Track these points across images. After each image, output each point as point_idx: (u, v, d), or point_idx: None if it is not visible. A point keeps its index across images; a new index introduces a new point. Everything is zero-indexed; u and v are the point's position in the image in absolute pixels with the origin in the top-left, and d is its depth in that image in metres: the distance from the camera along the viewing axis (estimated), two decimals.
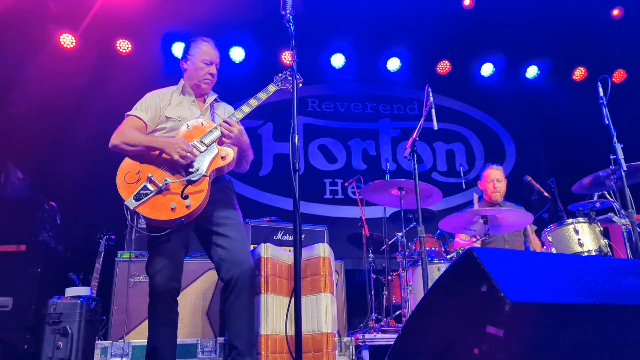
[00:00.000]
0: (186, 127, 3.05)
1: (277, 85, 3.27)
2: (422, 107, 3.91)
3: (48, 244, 5.27)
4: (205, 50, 3.25)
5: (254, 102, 3.16)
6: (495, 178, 5.20)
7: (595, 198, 4.48)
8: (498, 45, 7.52)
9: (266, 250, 3.66)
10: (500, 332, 1.42)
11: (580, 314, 1.57)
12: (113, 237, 4.89)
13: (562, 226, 4.36)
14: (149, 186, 2.81)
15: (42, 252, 5.00)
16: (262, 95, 3.20)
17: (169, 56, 6.77)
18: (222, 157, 2.98)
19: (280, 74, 3.32)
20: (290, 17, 2.82)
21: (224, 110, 3.37)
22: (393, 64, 7.67)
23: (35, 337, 4.32)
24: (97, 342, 3.97)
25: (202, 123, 3.08)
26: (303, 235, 4.87)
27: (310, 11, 6.12)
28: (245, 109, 3.12)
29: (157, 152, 2.93)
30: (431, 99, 3.86)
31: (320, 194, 7.40)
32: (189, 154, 2.87)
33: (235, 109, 3.31)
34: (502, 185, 5.19)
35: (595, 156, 4.91)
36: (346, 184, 6.51)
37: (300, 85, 3.34)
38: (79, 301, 4.03)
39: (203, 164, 2.92)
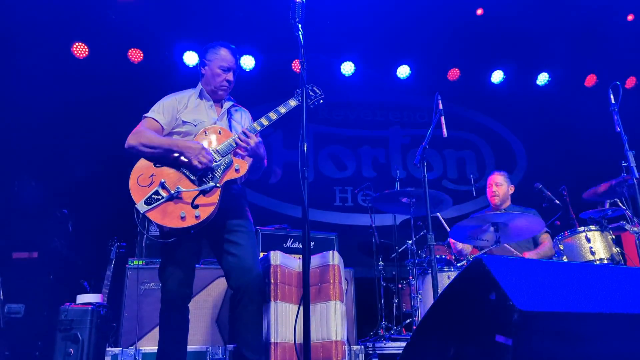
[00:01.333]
0: (204, 134, 3.05)
1: (298, 100, 3.19)
2: (432, 115, 3.90)
3: (60, 251, 5.33)
4: (223, 56, 3.22)
5: (273, 116, 3.13)
6: (493, 182, 5.22)
7: (607, 206, 4.45)
8: (508, 52, 7.49)
9: (275, 257, 3.66)
10: (509, 341, 1.41)
11: (591, 323, 1.56)
12: (124, 244, 4.93)
13: (574, 234, 4.33)
14: (161, 192, 2.83)
15: (54, 259, 5.06)
16: (282, 110, 3.16)
17: (181, 65, 6.82)
18: (236, 170, 2.98)
19: (306, 87, 3.29)
20: (300, 25, 2.83)
21: (241, 116, 3.36)
22: (403, 71, 7.66)
23: (46, 343, 4.35)
24: (107, 349, 3.98)
25: (219, 132, 3.07)
26: (312, 243, 4.87)
27: (320, 19, 6.16)
28: (265, 122, 3.10)
29: (174, 156, 2.93)
30: (441, 106, 3.85)
31: (330, 201, 7.40)
32: (207, 160, 2.88)
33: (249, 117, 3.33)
34: (501, 190, 5.17)
35: (607, 163, 4.88)
36: (356, 192, 6.50)
37: (322, 101, 3.35)
38: (89, 308, 4.07)
39: (216, 175, 2.93)
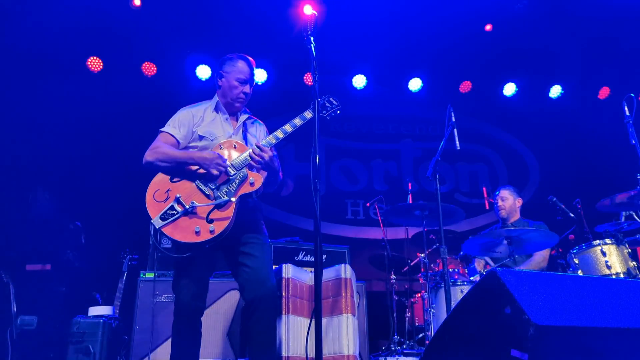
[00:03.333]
0: (219, 149, 3.05)
1: (314, 112, 3.21)
2: (444, 127, 3.88)
3: (73, 263, 5.36)
4: (241, 68, 3.23)
5: (288, 128, 3.13)
6: (499, 197, 5.33)
7: (623, 219, 4.39)
8: (521, 64, 7.47)
9: (287, 270, 3.65)
10: (525, 356, 1.39)
11: (607, 338, 1.53)
12: (136, 257, 4.94)
13: (589, 248, 4.27)
14: (176, 207, 2.84)
15: (66, 271, 5.08)
16: (298, 122, 3.14)
17: (194, 78, 6.88)
18: (251, 184, 2.98)
19: (318, 99, 3.27)
20: (312, 38, 2.84)
21: (257, 128, 3.36)
22: (415, 84, 7.67)
23: (58, 355, 4.36)
24: None
25: (234, 146, 3.08)
26: (324, 256, 4.85)
27: (332, 32, 6.18)
28: (280, 135, 3.10)
29: (190, 169, 2.95)
30: (453, 119, 3.84)
31: (342, 214, 7.38)
32: (224, 167, 2.91)
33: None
34: (507, 204, 5.26)
35: (621, 176, 4.82)
36: (367, 205, 6.48)
37: (339, 112, 3.34)
38: (101, 320, 4.07)
39: (231, 189, 2.93)
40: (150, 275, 4.27)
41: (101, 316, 4.14)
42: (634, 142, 3.72)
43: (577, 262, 4.33)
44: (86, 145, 6.25)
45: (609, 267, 4.12)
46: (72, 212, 5.98)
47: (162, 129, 3.14)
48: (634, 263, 4.18)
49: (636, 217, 4.37)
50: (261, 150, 2.99)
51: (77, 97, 6.32)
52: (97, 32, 6.30)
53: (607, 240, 4.25)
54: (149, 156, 3.01)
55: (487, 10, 6.59)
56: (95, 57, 6.59)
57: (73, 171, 6.19)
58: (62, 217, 5.91)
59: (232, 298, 4.30)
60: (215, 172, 2.90)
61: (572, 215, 4.90)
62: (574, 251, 4.38)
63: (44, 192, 6.00)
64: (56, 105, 6.19)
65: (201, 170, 2.93)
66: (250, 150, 3.02)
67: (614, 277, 4.07)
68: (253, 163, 3.00)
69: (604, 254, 4.18)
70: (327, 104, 3.31)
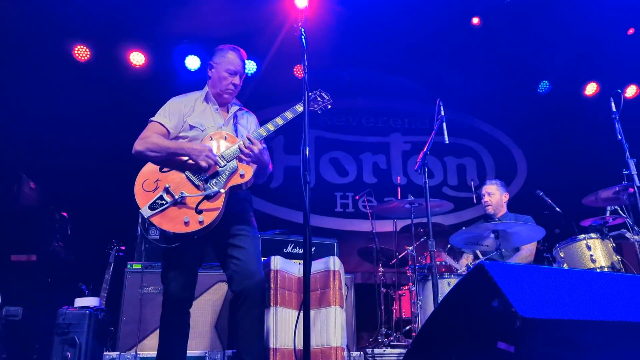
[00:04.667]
0: (209, 140, 3.05)
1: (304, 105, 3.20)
2: (433, 121, 3.90)
3: (59, 254, 5.31)
4: (231, 59, 3.21)
5: (279, 121, 3.12)
6: (485, 192, 5.28)
7: (608, 214, 4.45)
8: (509, 59, 7.49)
9: (276, 262, 3.65)
10: (512, 348, 1.40)
11: (592, 331, 1.55)
12: (123, 247, 4.91)
13: (574, 242, 4.32)
14: (165, 197, 2.82)
15: (52, 262, 5.03)
16: (289, 115, 3.14)
17: (183, 69, 6.82)
18: (241, 175, 2.97)
19: (310, 93, 3.24)
20: (303, 29, 2.82)
21: (247, 120, 3.35)
22: (404, 78, 7.67)
23: (44, 347, 4.33)
24: (105, 353, 3.96)
25: (225, 137, 3.07)
26: (313, 248, 4.86)
27: (324, 25, 6.16)
28: (271, 127, 3.09)
29: (180, 160, 2.93)
30: (442, 112, 3.85)
31: (331, 207, 7.40)
32: (213, 161, 2.89)
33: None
34: (493, 199, 5.21)
35: (607, 171, 4.87)
36: (357, 197, 6.50)
37: (329, 107, 3.34)
38: (87, 312, 4.05)
39: (221, 180, 2.92)
40: (137, 266, 4.25)
41: (87, 307, 4.11)
42: (620, 137, 3.75)
43: (562, 255, 4.38)
44: (73, 135, 6.17)
45: (593, 261, 4.18)
46: (58, 202, 5.93)
47: (152, 119, 3.11)
48: (618, 257, 4.24)
49: (621, 212, 4.42)
50: (251, 142, 2.98)
51: (63, 86, 6.24)
52: (83, 19, 6.21)
53: (592, 235, 4.31)
54: (138, 145, 2.98)
55: (476, 4, 6.61)
56: (82, 45, 6.49)
57: (60, 161, 6.12)
58: (48, 207, 5.85)
59: (220, 290, 4.29)
60: (204, 164, 2.88)
61: (558, 209, 4.95)
62: (560, 245, 4.43)
63: (30, 182, 5.94)
64: (43, 94, 6.11)
65: (191, 161, 2.92)
66: (241, 143, 3.01)
67: (598, 270, 4.13)
68: (242, 156, 2.99)
69: (589, 248, 4.23)
70: (319, 98, 3.32)
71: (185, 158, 2.93)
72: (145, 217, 2.76)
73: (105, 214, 5.74)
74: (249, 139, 2.99)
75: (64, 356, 3.87)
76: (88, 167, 6.10)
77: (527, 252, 4.92)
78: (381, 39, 6.96)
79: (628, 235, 4.29)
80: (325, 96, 3.34)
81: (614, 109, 3.85)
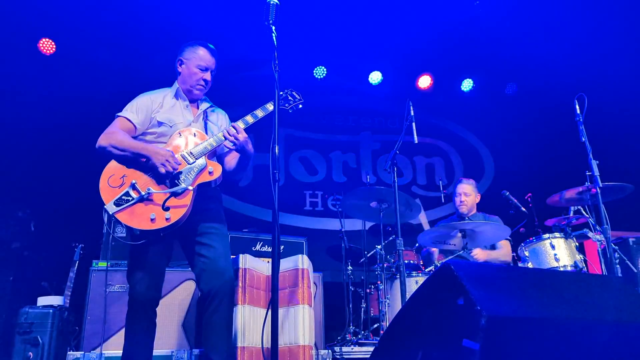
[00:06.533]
0: (178, 136, 3.01)
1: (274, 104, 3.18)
2: (403, 121, 3.93)
3: (21, 251, 5.17)
4: (202, 55, 3.18)
5: (250, 119, 3.10)
6: (462, 192, 5.26)
7: (572, 214, 4.56)
8: (478, 60, 7.60)
9: (244, 261, 3.64)
10: (476, 346, 1.42)
11: (555, 328, 1.58)
12: (84, 246, 4.80)
13: (539, 241, 4.42)
14: (132, 193, 2.78)
15: (14, 260, 4.90)
16: (260, 113, 3.13)
17: (152, 64, 6.70)
18: (210, 173, 2.94)
19: (281, 92, 3.24)
20: (274, 27, 2.81)
21: (218, 117, 3.32)
22: (375, 77, 7.71)
23: (5, 347, 4.22)
24: (69, 352, 3.88)
25: (194, 134, 3.04)
26: (282, 247, 4.85)
27: (293, 22, 6.14)
28: (241, 125, 3.05)
29: (141, 161, 2.88)
30: (412, 112, 3.89)
31: (300, 205, 7.38)
32: (172, 168, 2.84)
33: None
34: (469, 199, 5.22)
35: (571, 172, 4.99)
36: (326, 196, 6.51)
37: (301, 107, 3.34)
38: (50, 311, 3.96)
39: (189, 178, 2.89)
40: (103, 264, 4.17)
41: (51, 306, 4.02)
42: (583, 139, 3.84)
43: (527, 254, 4.48)
44: (36, 130, 6.00)
45: (557, 260, 4.28)
46: (20, 199, 5.77)
47: (119, 114, 3.05)
48: (581, 256, 4.35)
49: (584, 212, 4.54)
50: (237, 130, 2.96)
51: (27, 80, 6.07)
52: (49, 13, 6.05)
53: (556, 234, 4.42)
54: (102, 141, 2.92)
55: (447, 7, 6.67)
56: (47, 39, 6.33)
57: (22, 157, 5.95)
58: (9, 204, 5.69)
59: (187, 288, 4.25)
60: (162, 170, 2.82)
61: (523, 209, 5.05)
62: (525, 244, 4.53)
63: None
64: (4, 88, 5.93)
65: (152, 163, 2.86)
66: (225, 131, 2.98)
67: (561, 269, 4.23)
68: (226, 144, 2.97)
69: (552, 247, 4.33)
70: (290, 97, 3.32)
71: (146, 160, 2.88)
72: (110, 213, 2.71)
73: (70, 212, 5.61)
74: (234, 127, 2.96)
75: (26, 356, 3.77)
76: (52, 163, 5.94)
77: (505, 250, 4.95)
78: (354, 35, 6.96)
79: (590, 234, 4.41)
80: (297, 95, 3.35)
81: (578, 111, 3.92)
